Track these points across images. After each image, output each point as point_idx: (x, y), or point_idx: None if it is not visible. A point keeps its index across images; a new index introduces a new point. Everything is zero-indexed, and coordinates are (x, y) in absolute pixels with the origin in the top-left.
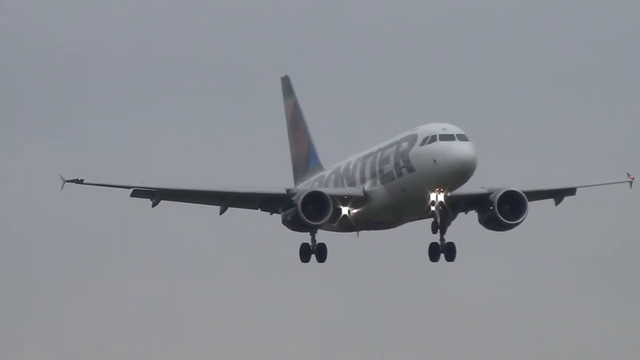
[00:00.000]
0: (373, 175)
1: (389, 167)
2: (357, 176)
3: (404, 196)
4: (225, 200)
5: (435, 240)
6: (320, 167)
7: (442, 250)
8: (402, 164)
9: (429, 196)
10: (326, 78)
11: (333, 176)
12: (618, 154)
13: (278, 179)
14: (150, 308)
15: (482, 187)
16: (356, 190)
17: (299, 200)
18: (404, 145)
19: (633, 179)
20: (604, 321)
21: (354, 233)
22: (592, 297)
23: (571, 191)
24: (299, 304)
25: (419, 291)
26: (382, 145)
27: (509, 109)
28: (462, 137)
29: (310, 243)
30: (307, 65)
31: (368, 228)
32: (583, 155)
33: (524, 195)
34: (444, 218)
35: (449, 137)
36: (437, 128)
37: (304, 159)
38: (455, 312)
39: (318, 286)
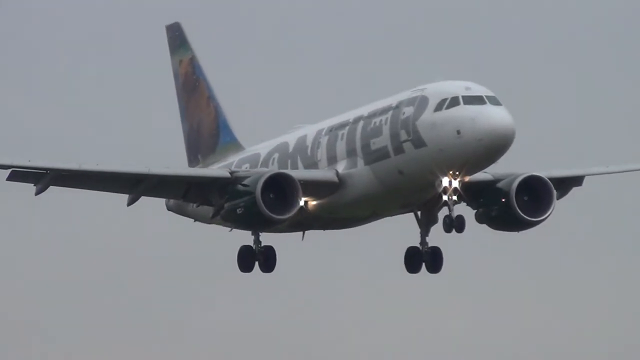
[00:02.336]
0: (351, 153)
1: (381, 141)
2: (322, 155)
3: (401, 181)
4: (140, 186)
5: (414, 244)
6: (237, 145)
7: (424, 258)
8: (403, 136)
9: (440, 181)
10: (237, 25)
11: (276, 155)
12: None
13: (162, 159)
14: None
15: (484, 172)
16: (327, 174)
17: (257, 185)
18: (407, 110)
19: None
20: None
21: (298, 233)
22: None
23: (578, 181)
24: (236, 330)
25: (391, 320)
26: (362, 111)
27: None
28: (494, 100)
29: (253, 245)
30: (210, 7)
31: (325, 227)
32: (591, 139)
33: (549, 182)
34: (429, 213)
35: (476, 100)
36: (458, 87)
37: (210, 134)
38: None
39: (264, 305)
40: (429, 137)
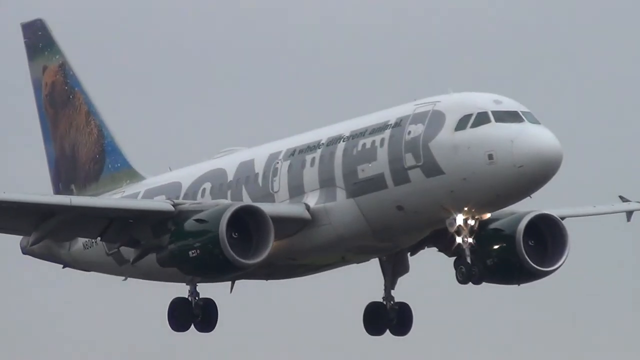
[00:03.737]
0: (327, 183)
1: (374, 168)
2: (281, 184)
3: (398, 219)
4: (49, 222)
5: (376, 299)
6: (132, 173)
7: (390, 317)
8: (409, 161)
9: (454, 219)
10: (128, 23)
11: (207, 185)
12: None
13: (14, 190)
14: None
15: None
16: (296, 209)
17: (220, 220)
18: (414, 129)
19: None
20: None
21: (225, 282)
22: None
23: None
24: None
25: None
26: (339, 130)
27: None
28: (531, 117)
29: (189, 297)
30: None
31: (272, 275)
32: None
33: (562, 223)
34: (401, 260)
35: (510, 116)
36: (485, 100)
37: (90, 158)
38: None
39: None
40: (447, 163)
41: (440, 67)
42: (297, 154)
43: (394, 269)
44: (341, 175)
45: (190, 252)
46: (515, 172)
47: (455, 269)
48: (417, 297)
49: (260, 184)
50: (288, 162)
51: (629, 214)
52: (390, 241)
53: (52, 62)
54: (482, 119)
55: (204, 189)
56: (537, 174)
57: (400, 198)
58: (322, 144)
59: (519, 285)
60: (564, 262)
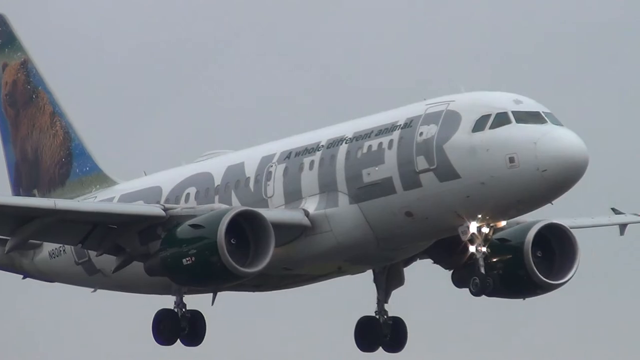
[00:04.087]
0: (328, 187)
1: (381, 171)
2: (276, 189)
3: (406, 226)
4: (29, 226)
5: (369, 313)
6: (103, 178)
7: (383, 332)
8: (422, 165)
9: (467, 227)
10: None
11: (192, 190)
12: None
13: None
14: None
15: None
16: (295, 215)
17: (218, 226)
18: (427, 130)
19: None
20: None
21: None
22: None
23: None
24: None
25: None
26: (341, 132)
27: None
28: (553, 119)
29: (176, 309)
30: None
31: (261, 287)
32: None
33: (572, 234)
34: (396, 271)
35: (532, 117)
36: (504, 100)
37: (56, 162)
38: None
39: None
40: (464, 166)
41: (449, 65)
42: (293, 157)
43: (387, 281)
44: (344, 179)
45: (184, 260)
46: (539, 176)
47: (468, 280)
48: (411, 311)
49: (252, 189)
50: (283, 165)
51: (622, 227)
52: (393, 250)
53: (13, 59)
54: (501, 119)
55: (188, 194)
56: (561, 178)
57: (410, 203)
58: (322, 146)
59: (524, 299)
60: (573, 274)
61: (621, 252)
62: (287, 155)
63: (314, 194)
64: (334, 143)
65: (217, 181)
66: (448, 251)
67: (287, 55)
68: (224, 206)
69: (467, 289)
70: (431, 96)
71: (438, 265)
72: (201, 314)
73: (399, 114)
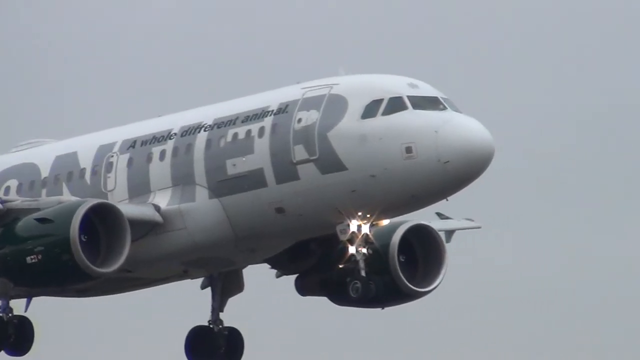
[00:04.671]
0: (182, 180)
1: (249, 162)
2: (118, 181)
3: (275, 225)
4: None
5: (202, 323)
6: None
7: (219, 343)
8: (300, 155)
9: (347, 225)
10: None
11: (13, 182)
12: None
13: None
14: None
15: None
16: (146, 211)
17: (70, 220)
18: (306, 116)
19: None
20: None
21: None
22: None
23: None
24: None
25: None
26: (198, 118)
27: None
28: (453, 106)
29: (2, 314)
30: None
31: (84, 291)
32: None
33: (439, 235)
34: (236, 276)
35: (430, 103)
36: (397, 84)
37: None
38: None
39: None
40: (351, 157)
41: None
42: (139, 146)
43: (224, 287)
44: (203, 171)
45: (28, 258)
46: (440, 168)
47: (351, 285)
48: (249, 321)
49: (89, 181)
50: (127, 155)
51: (449, 233)
52: (251, 251)
53: None
54: (396, 105)
55: (8, 187)
56: (465, 171)
57: (282, 198)
58: (175, 134)
59: (383, 308)
60: (441, 281)
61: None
62: (131, 144)
63: (165, 187)
64: (190, 131)
65: (45, 173)
66: (288, 255)
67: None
68: (74, 198)
69: (329, 296)
70: (304, 79)
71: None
72: (29, 320)
73: (269, 99)
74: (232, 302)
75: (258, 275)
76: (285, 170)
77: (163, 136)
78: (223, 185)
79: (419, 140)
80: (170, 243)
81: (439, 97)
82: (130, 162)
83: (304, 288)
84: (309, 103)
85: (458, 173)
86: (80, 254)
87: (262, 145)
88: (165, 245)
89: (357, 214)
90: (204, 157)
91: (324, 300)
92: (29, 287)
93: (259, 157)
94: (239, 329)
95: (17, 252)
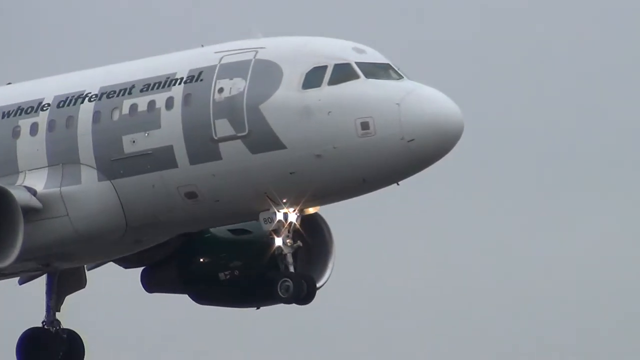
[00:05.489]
0: (62, 159)
1: (153, 139)
2: None
3: (184, 211)
4: None
5: (36, 325)
6: None
7: (56, 349)
8: (224, 131)
9: (274, 214)
10: None
11: None
12: None
13: None
14: None
15: None
16: (22, 196)
17: None
18: (230, 85)
19: None
20: None
21: None
22: None
23: None
24: None
25: None
26: (75, 84)
27: None
28: (402, 74)
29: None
30: None
31: None
32: None
33: (327, 224)
34: (77, 272)
35: (384, 72)
36: (340, 47)
37: None
38: None
39: None
40: (292, 134)
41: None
42: (1, 119)
43: (62, 282)
44: (90, 149)
45: None
46: (402, 147)
47: (280, 283)
48: (90, 322)
49: None
50: None
51: None
52: (136, 243)
53: None
54: (344, 73)
55: None
56: (432, 150)
57: (196, 181)
58: (47, 104)
59: (258, 308)
60: (329, 277)
61: None
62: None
63: (38, 167)
64: (68, 101)
65: None
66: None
67: None
68: None
69: (192, 295)
70: (209, 42)
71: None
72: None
73: (172, 64)
74: (68, 301)
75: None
76: (203, 149)
77: (32, 107)
78: (118, 165)
79: (378, 115)
80: (45, 233)
81: (391, 65)
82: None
83: (153, 283)
84: (229, 70)
85: (424, 153)
86: None
87: (171, 119)
88: (39, 236)
89: (288, 199)
90: (92, 132)
91: (179, 298)
92: None
93: (167, 132)
94: (77, 332)
95: None
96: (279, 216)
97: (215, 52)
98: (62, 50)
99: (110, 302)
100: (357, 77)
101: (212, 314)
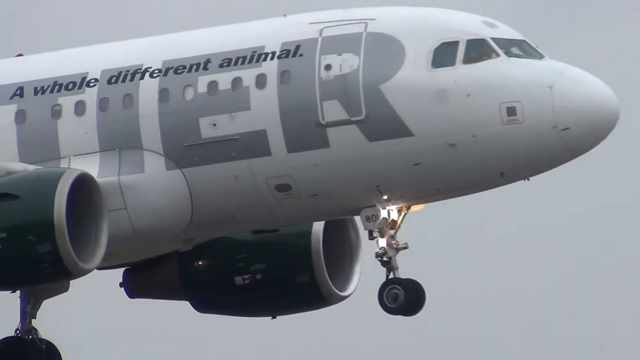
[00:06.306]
0: (118, 143)
1: (246, 121)
2: (4, 142)
3: (266, 207)
4: None
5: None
6: None
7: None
8: (335, 114)
9: (379, 210)
10: None
11: None
12: None
13: None
14: None
15: None
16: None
17: (55, 195)
18: (341, 61)
19: None
20: None
21: None
22: None
23: None
24: None
25: None
26: (126, 57)
27: None
28: (540, 53)
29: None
30: None
31: None
32: None
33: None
34: None
35: (523, 50)
36: (468, 21)
37: None
38: None
39: None
40: (421, 119)
41: None
42: (33, 95)
43: (44, 290)
44: (157, 132)
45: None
46: (554, 137)
47: (386, 291)
48: (65, 334)
49: None
50: (11, 107)
51: None
52: (185, 242)
53: None
54: (481, 49)
55: None
56: (586, 141)
57: (293, 172)
58: (94, 79)
59: (274, 317)
60: (357, 285)
61: None
62: (18, 92)
63: (87, 152)
64: (122, 76)
65: None
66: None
67: None
68: (31, 166)
69: (197, 302)
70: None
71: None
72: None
73: (258, 36)
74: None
75: None
76: (305, 135)
77: (74, 82)
78: (192, 152)
79: (527, 99)
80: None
81: (527, 41)
82: (21, 116)
83: (142, 286)
84: (335, 44)
85: (577, 143)
86: (67, 244)
87: (264, 100)
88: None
89: (403, 195)
90: (159, 113)
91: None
92: None
93: (260, 115)
94: (54, 342)
95: None
96: (384, 213)
97: (311, 24)
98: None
99: (92, 309)
100: (496, 55)
101: (212, 324)
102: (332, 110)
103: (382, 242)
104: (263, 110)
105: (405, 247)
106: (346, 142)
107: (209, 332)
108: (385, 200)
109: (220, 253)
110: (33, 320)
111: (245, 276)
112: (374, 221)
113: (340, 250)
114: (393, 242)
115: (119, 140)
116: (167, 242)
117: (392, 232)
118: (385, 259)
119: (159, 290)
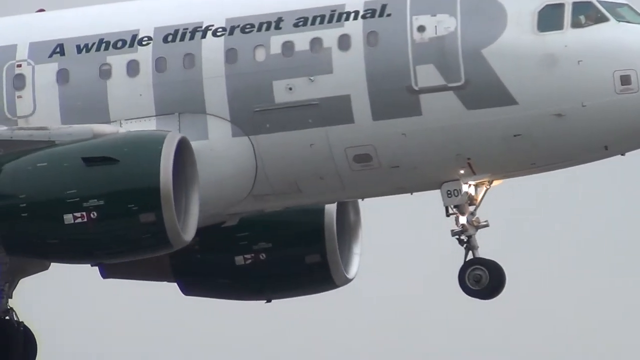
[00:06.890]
0: (179, 107)
1: (327, 86)
2: (42, 103)
3: (338, 178)
4: None
5: None
6: None
7: (16, 341)
8: (430, 79)
9: (461, 185)
10: None
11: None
12: None
13: None
14: None
15: None
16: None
17: (161, 159)
18: (436, 22)
19: None
20: None
21: None
22: None
23: None
24: None
25: None
26: (181, 15)
27: None
28: None
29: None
30: None
31: None
32: None
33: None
34: None
35: (629, 14)
36: None
37: None
38: None
39: None
40: (528, 87)
41: None
42: (76, 53)
43: (19, 262)
44: (222, 96)
45: (67, 217)
46: None
47: (468, 272)
48: (42, 315)
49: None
50: (52, 65)
51: None
52: (233, 216)
53: None
54: (587, 13)
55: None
56: None
57: (377, 142)
58: (147, 37)
59: (269, 301)
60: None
61: None
62: (59, 50)
63: (141, 115)
64: (180, 34)
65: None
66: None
67: None
68: (121, 129)
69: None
70: None
71: None
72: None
73: None
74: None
75: None
76: (395, 101)
77: (123, 40)
78: (262, 118)
79: None
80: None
81: (630, 5)
82: (63, 76)
83: (121, 265)
84: (427, 3)
85: None
86: (174, 214)
87: (348, 63)
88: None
89: (494, 168)
90: (226, 75)
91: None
92: (59, 259)
93: (343, 79)
94: (29, 326)
95: (47, 207)
96: (466, 188)
97: None
98: None
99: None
100: (605, 19)
101: (194, 306)
102: (427, 75)
103: (463, 219)
104: (347, 74)
105: (487, 225)
106: (441, 110)
107: (194, 315)
108: (472, 173)
109: (219, 230)
110: (10, 300)
111: (247, 255)
112: (456, 196)
113: (339, 230)
114: (473, 219)
115: (179, 103)
116: (214, 215)
117: (471, 208)
118: (463, 237)
119: (141, 270)
